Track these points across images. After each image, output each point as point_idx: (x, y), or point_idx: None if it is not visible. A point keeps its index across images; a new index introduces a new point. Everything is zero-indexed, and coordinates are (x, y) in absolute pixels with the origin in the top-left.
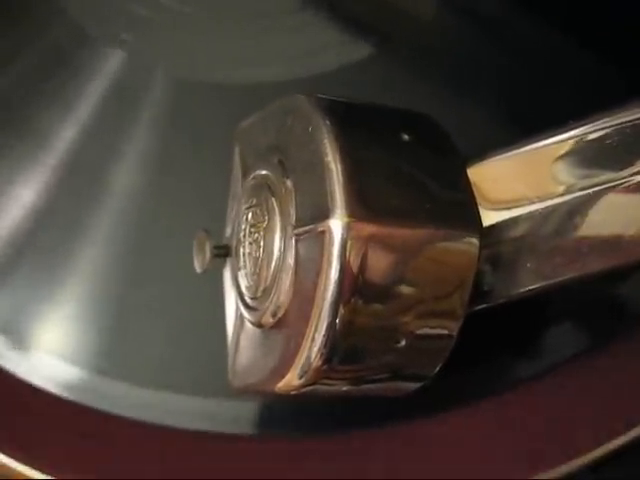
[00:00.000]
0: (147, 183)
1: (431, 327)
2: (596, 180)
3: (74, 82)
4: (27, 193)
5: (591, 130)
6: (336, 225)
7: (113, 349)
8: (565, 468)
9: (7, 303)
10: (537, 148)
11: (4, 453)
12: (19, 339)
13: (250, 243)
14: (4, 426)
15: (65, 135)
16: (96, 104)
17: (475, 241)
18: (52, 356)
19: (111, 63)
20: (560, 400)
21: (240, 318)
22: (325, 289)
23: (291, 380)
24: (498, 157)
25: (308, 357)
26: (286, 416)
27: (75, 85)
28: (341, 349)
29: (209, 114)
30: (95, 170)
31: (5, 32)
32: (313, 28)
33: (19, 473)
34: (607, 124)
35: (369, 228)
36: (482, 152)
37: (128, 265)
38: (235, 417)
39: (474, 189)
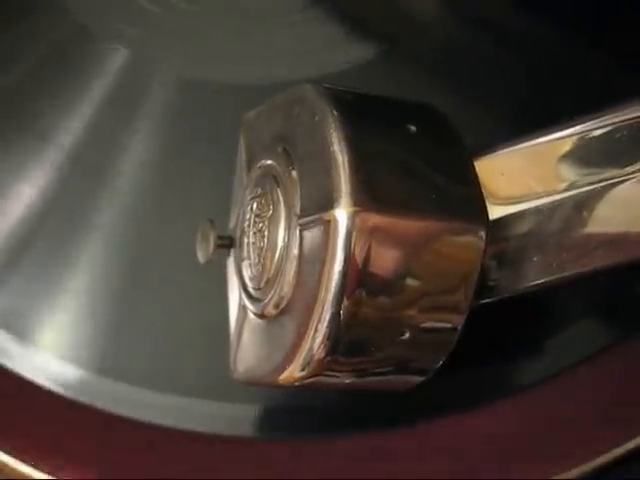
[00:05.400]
0: (149, 181)
1: (435, 320)
2: (603, 175)
3: (77, 79)
4: (29, 190)
5: (599, 125)
6: (341, 215)
7: (114, 349)
8: (579, 469)
9: (8, 301)
10: (544, 143)
11: (4, 452)
12: (20, 337)
13: (254, 233)
14: (4, 425)
15: (68, 133)
16: (99, 102)
17: (481, 234)
18: (53, 355)
19: (114, 60)
20: (574, 401)
21: (243, 309)
22: (329, 280)
23: (293, 372)
24: (505, 151)
25: (311, 349)
26: (286, 418)
27: (78, 83)
28: (344, 341)
29: (212, 112)
30: (97, 168)
31: (8, 29)
32: (318, 28)
33: (19, 472)
34: (615, 119)
35: (374, 218)
36: (488, 148)
37: (130, 263)
38: (235, 419)
39: (481, 183)
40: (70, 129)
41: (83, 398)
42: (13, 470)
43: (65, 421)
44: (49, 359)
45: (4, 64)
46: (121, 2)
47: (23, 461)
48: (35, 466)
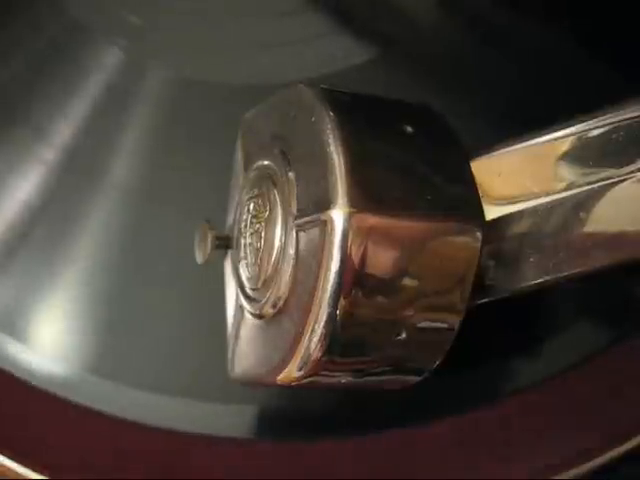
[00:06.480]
0: (145, 180)
1: (432, 320)
2: (601, 175)
3: (72, 78)
4: (24, 189)
5: (597, 125)
6: (338, 215)
7: (112, 350)
8: (579, 469)
9: (4, 300)
10: (542, 142)
11: (2, 454)
12: (16, 338)
13: (251, 234)
14: (2, 426)
15: (62, 131)
16: (94, 100)
17: (477, 234)
18: (51, 356)
19: (109, 59)
20: (573, 401)
21: (240, 309)
22: (326, 280)
23: (291, 371)
24: (502, 151)
25: (308, 348)
26: (284, 419)
27: (73, 81)
28: (341, 341)
29: (209, 112)
30: (92, 166)
31: (3, 27)
32: (316, 30)
33: (17, 474)
34: (613, 119)
35: (371, 219)
36: (485, 148)
37: (127, 264)
38: (233, 420)
39: (477, 183)
40: (66, 126)
41: (80, 399)
42: (10, 471)
43: (63, 422)
44: (45, 360)
45: (0, 59)
46: (117, 1)
47: (20, 462)
48: (32, 467)
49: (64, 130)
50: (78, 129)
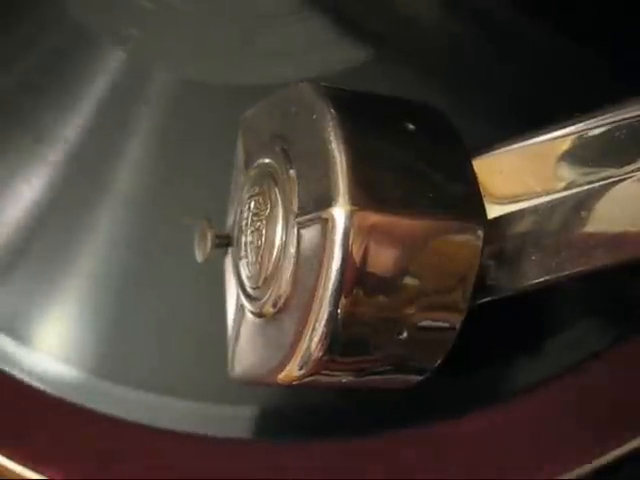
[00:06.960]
0: (148, 182)
1: (433, 319)
2: (603, 174)
3: (76, 81)
4: (28, 192)
5: (598, 124)
6: (339, 213)
7: (113, 351)
8: (580, 470)
9: (7, 303)
10: (543, 141)
11: (2, 454)
12: (19, 339)
13: (252, 232)
14: (2, 427)
15: (66, 134)
16: (97, 103)
17: (479, 233)
18: (51, 357)
19: (112, 62)
20: (574, 401)
21: (241, 308)
22: (327, 278)
23: (291, 371)
24: (503, 150)
25: (308, 347)
26: (284, 419)
27: (77, 84)
28: (342, 340)
29: (210, 113)
30: (96, 169)
31: (8, 31)
32: (314, 30)
33: (17, 474)
34: (614, 118)
35: (372, 217)
36: (487, 146)
37: (128, 265)
38: (232, 421)
39: (478, 181)
40: (69, 130)
41: (81, 400)
42: (10, 471)
43: (63, 423)
44: (47, 361)
45: (4, 65)
46: (120, 3)
47: (22, 463)
48: (32, 467)
49: (67, 133)
50: (81, 131)
